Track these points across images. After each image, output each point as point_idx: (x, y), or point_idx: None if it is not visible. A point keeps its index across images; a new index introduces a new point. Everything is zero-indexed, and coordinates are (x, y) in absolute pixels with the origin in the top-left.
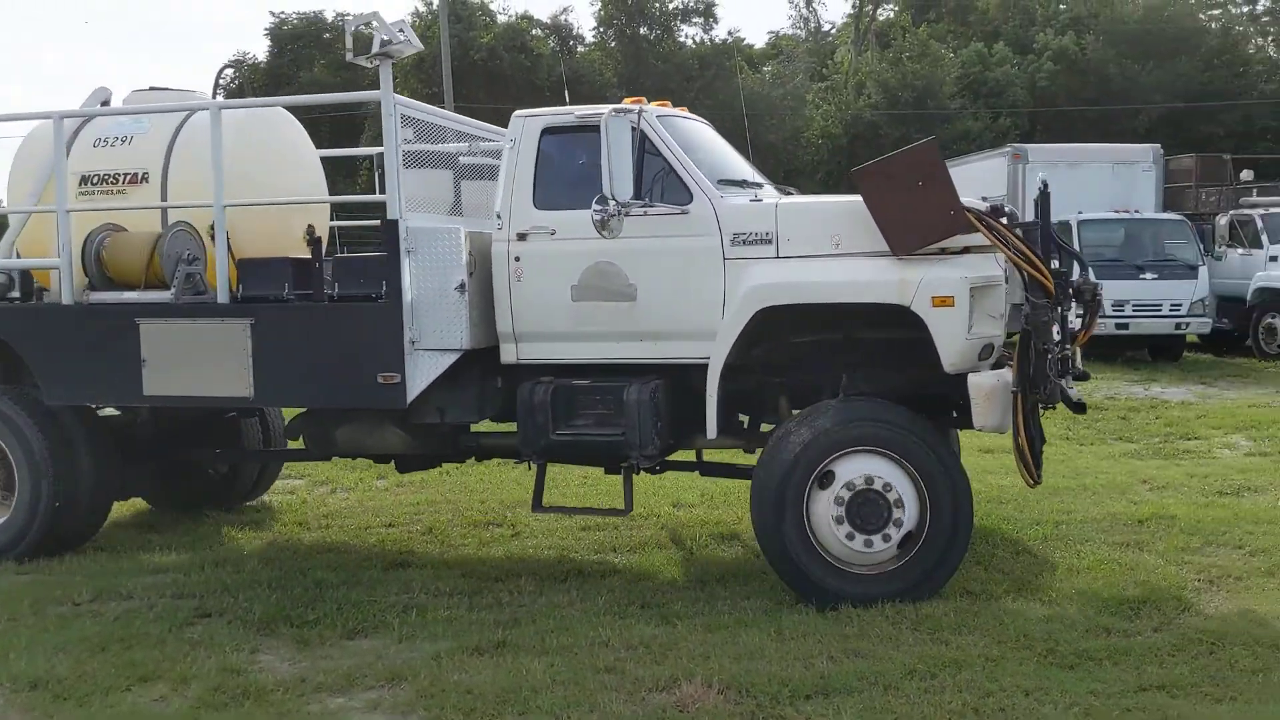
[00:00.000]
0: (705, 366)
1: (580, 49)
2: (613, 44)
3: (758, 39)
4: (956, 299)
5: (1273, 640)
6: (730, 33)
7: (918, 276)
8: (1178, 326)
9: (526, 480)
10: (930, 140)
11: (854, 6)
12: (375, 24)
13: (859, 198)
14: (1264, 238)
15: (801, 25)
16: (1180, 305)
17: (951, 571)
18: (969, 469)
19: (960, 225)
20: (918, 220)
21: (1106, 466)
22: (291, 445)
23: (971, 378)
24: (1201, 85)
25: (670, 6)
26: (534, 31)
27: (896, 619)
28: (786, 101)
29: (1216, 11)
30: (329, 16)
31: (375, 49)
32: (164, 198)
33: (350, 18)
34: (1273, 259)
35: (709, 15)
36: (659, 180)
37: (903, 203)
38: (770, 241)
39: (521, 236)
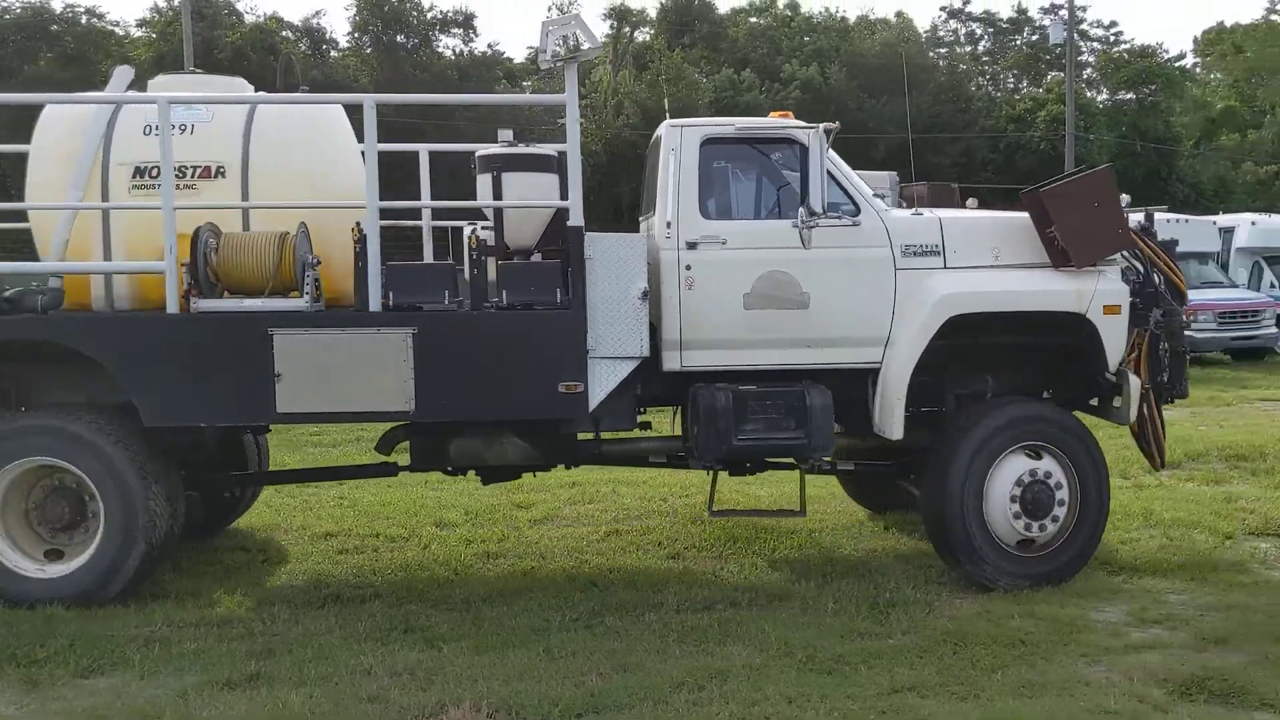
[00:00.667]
0: (860, 371)
1: (334, 54)
2: (368, 50)
3: (518, 53)
4: (1121, 307)
5: (1008, 638)
6: (490, 46)
7: (1091, 288)
8: None
9: (277, 503)
10: (1107, 167)
11: (611, 28)
12: (571, 27)
13: (1013, 214)
14: None
15: (560, 43)
16: None
17: (1092, 553)
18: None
19: (1127, 241)
20: (1097, 236)
21: None
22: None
23: (1131, 377)
24: (930, 119)
25: (429, 16)
26: (284, 33)
27: (663, 631)
28: (547, 117)
29: (944, 50)
30: (57, 7)
31: (561, 51)
32: (245, 193)
33: (552, 23)
34: None
35: (469, 27)
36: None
37: (1083, 220)
38: (938, 253)
39: (691, 245)
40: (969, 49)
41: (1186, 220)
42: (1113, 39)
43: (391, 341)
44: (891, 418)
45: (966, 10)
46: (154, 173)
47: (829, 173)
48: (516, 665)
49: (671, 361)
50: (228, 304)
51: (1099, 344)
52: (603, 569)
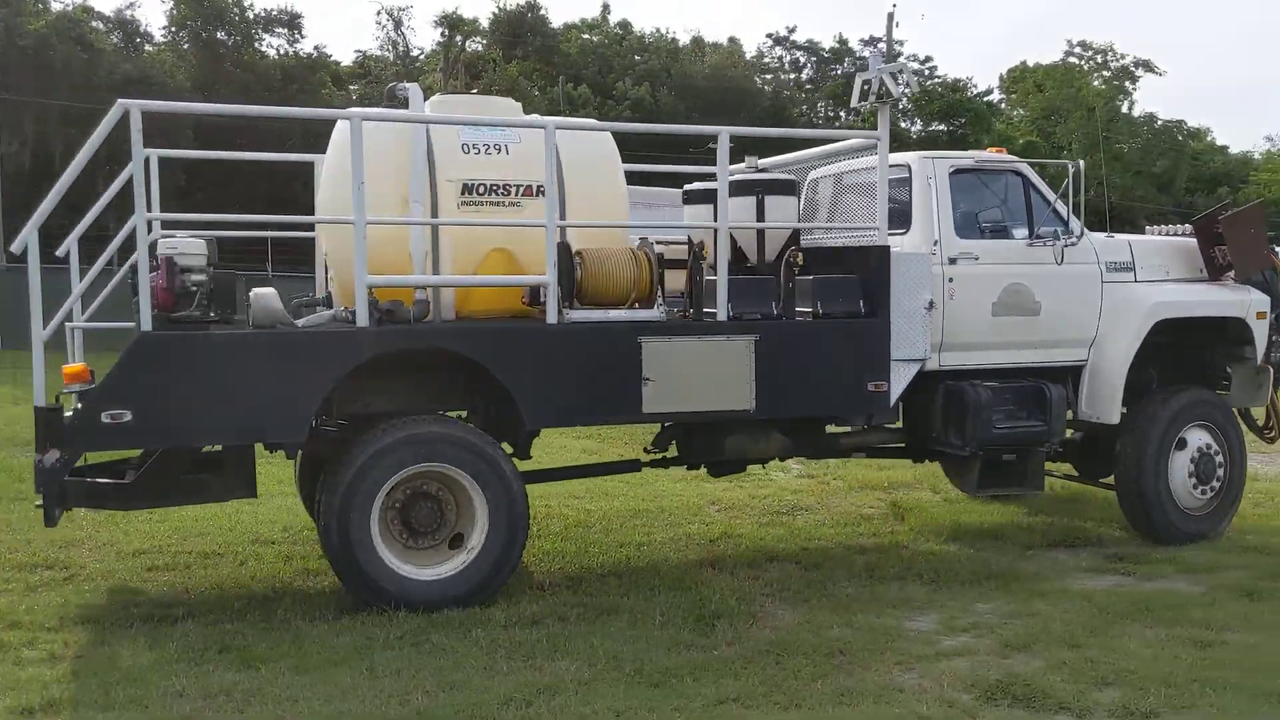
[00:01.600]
0: (1064, 369)
1: (149, 48)
2: (186, 46)
3: (345, 57)
4: (1266, 314)
5: (828, 648)
6: (317, 48)
7: (1249, 298)
8: None
9: (84, 517)
10: (1260, 202)
11: (443, 35)
12: (885, 72)
13: (1173, 238)
14: None
15: (390, 48)
16: None
17: (1235, 511)
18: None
19: (1269, 261)
20: (1253, 256)
21: (680, 489)
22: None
23: (1270, 369)
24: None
25: (251, 15)
26: (94, 24)
27: (491, 648)
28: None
29: (769, 76)
30: None
31: (872, 94)
32: (563, 211)
33: (868, 75)
34: None
35: (295, 27)
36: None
37: (1245, 243)
38: (1130, 269)
39: (952, 261)
40: (793, 76)
41: None
42: (928, 73)
43: (738, 348)
44: (1111, 405)
45: (791, 39)
46: (479, 189)
47: (1045, 197)
48: (340, 684)
49: (931, 363)
50: (596, 314)
51: (1253, 342)
52: None
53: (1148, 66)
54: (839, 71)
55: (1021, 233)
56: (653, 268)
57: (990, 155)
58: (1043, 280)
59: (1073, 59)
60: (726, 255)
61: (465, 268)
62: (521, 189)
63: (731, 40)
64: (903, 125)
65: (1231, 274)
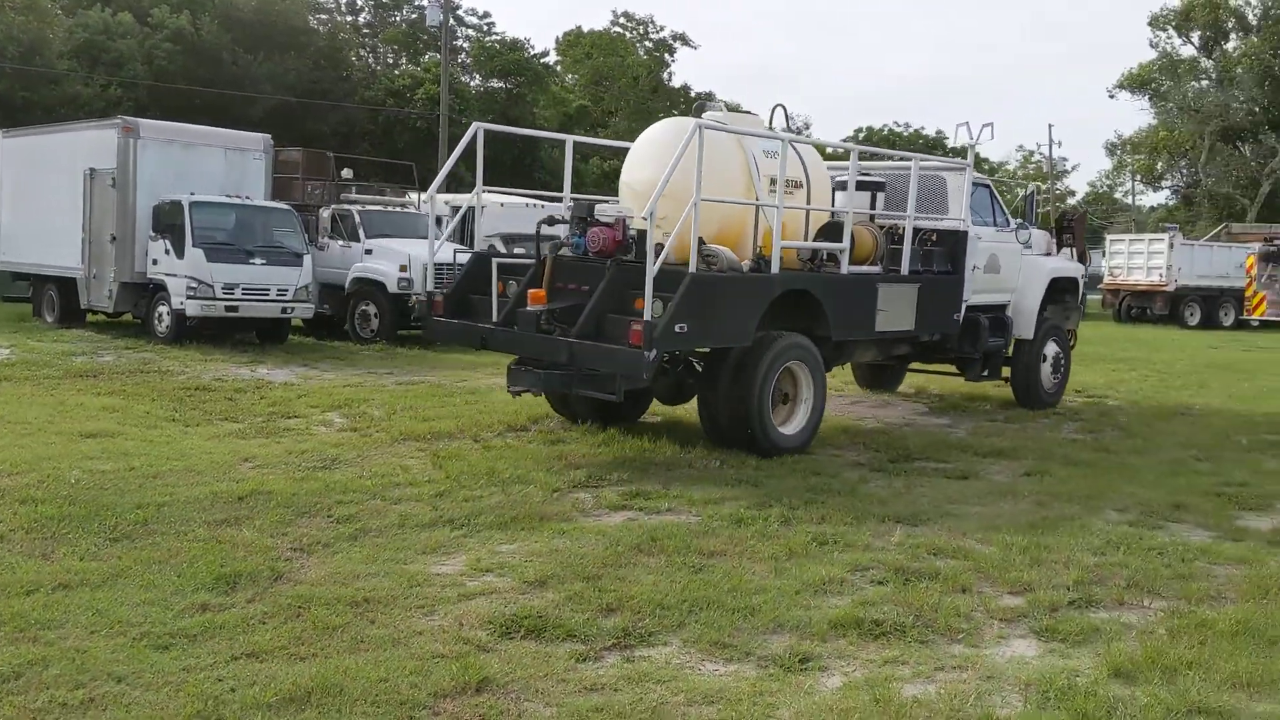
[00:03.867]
0: (1002, 306)
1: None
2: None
3: None
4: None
5: (352, 598)
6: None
7: (1079, 265)
8: (284, 311)
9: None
10: (1085, 211)
11: None
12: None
13: (1041, 230)
14: (361, 232)
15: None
16: (286, 290)
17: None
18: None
19: (1083, 246)
20: (1079, 243)
21: (212, 447)
22: None
23: (1080, 307)
24: (310, 84)
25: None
26: None
27: None
28: None
29: (324, 16)
30: None
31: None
32: (809, 199)
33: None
34: (368, 251)
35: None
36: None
37: (1077, 234)
38: (1030, 247)
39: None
40: (350, 19)
41: (542, 205)
42: (486, 28)
43: (912, 290)
44: (1029, 328)
45: None
46: (773, 183)
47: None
48: None
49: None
50: (860, 268)
51: (1076, 291)
52: None
53: (684, 40)
54: (399, 19)
55: (988, 223)
56: (877, 241)
57: (978, 175)
58: (1002, 252)
59: (618, 28)
60: (911, 234)
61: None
62: (794, 183)
63: None
64: (463, 79)
65: (1067, 251)
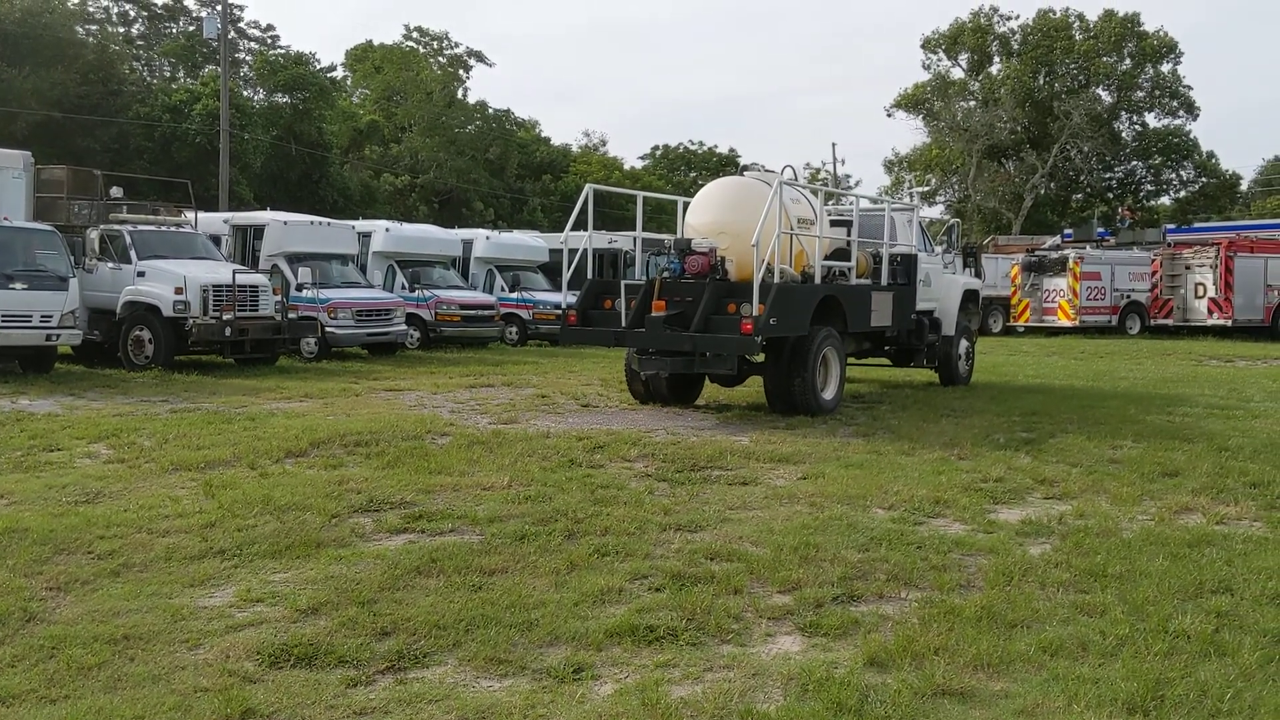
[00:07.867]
0: (929, 312)
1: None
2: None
3: None
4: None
5: (110, 635)
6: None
7: (980, 281)
8: (49, 338)
9: None
10: (993, 238)
11: None
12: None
13: (951, 254)
14: (133, 253)
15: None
16: (51, 317)
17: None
18: None
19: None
20: (979, 263)
21: None
22: None
23: (979, 311)
24: (79, 99)
25: None
26: None
27: None
28: None
29: (94, 28)
30: None
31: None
32: (820, 231)
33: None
34: (140, 274)
35: None
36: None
37: (978, 256)
38: (951, 269)
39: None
40: (122, 30)
41: (329, 224)
42: (270, 41)
43: (889, 295)
44: (951, 326)
45: None
46: (799, 223)
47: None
48: None
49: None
50: (861, 281)
51: (977, 301)
52: None
53: (479, 57)
54: (175, 31)
55: (923, 249)
56: (869, 261)
57: (930, 215)
58: (933, 271)
59: (410, 43)
60: (888, 255)
61: (786, 262)
62: (808, 222)
63: None
64: (245, 94)
65: (969, 270)
